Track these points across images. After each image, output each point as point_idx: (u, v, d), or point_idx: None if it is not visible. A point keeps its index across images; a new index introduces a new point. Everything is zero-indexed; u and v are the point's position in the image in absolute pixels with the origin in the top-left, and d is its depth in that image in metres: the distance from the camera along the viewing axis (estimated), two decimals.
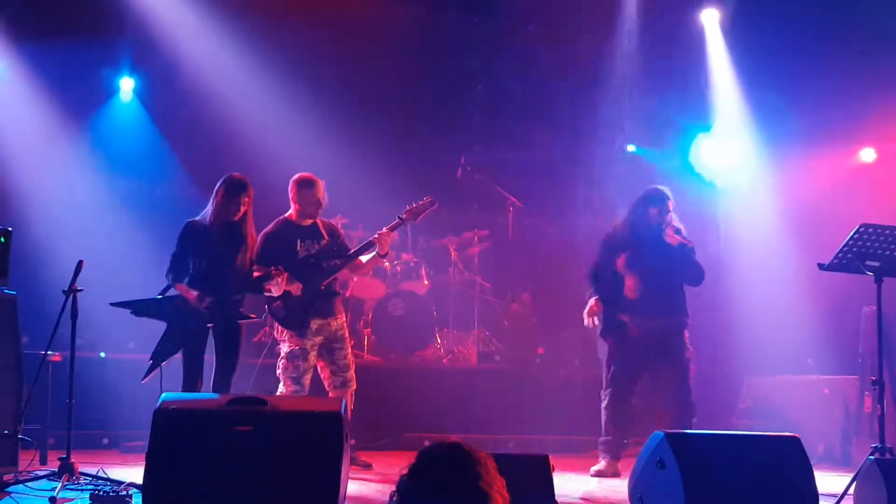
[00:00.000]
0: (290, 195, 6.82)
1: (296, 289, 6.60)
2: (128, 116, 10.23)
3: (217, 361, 6.30)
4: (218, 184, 6.35)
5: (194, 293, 6.17)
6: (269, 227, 6.76)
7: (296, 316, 6.65)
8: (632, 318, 6.93)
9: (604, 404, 7.05)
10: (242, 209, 6.31)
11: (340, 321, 6.83)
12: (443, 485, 2.73)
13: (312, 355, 6.69)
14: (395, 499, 2.81)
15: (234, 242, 6.33)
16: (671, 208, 6.99)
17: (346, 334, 6.88)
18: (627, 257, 6.94)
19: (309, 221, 6.83)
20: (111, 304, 6.17)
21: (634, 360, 6.97)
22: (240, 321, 6.34)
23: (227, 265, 6.28)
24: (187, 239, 6.32)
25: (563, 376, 9.13)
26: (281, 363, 6.69)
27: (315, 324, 6.67)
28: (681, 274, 6.99)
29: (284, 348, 6.71)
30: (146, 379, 6.14)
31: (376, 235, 6.72)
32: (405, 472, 2.80)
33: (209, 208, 6.34)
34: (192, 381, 6.16)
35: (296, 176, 6.86)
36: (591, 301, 6.91)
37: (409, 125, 10.56)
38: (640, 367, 7.03)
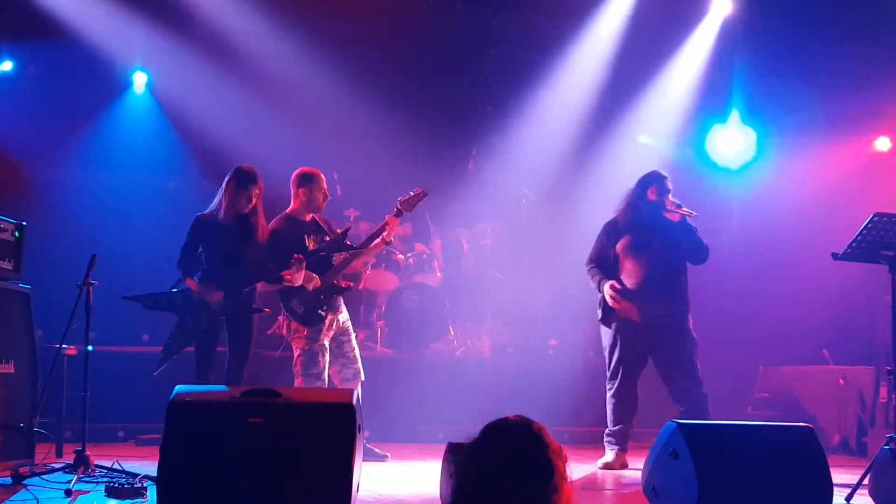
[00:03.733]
0: (295, 189, 6.77)
1: (314, 284, 6.61)
2: (141, 110, 10.25)
3: (229, 355, 6.30)
4: (227, 176, 6.33)
5: (205, 287, 6.17)
6: (274, 223, 6.68)
7: (313, 311, 6.65)
8: (634, 303, 6.75)
9: (609, 394, 6.90)
10: (254, 201, 6.30)
11: (346, 314, 6.89)
12: (513, 454, 2.85)
13: (327, 350, 6.72)
14: (455, 468, 2.94)
15: (244, 235, 6.31)
16: (670, 187, 6.84)
17: (351, 326, 6.91)
18: (628, 242, 6.82)
19: (309, 217, 6.82)
20: (123, 298, 6.17)
21: (638, 347, 6.81)
22: (252, 314, 6.34)
23: (238, 258, 6.26)
24: (197, 232, 6.30)
25: (576, 368, 9.12)
26: (300, 361, 6.63)
27: (329, 318, 6.71)
28: (682, 253, 6.85)
29: (301, 346, 6.65)
30: (158, 371, 6.16)
31: (385, 222, 6.79)
32: (471, 441, 2.90)
33: (219, 200, 6.31)
34: (204, 374, 6.16)
35: (299, 170, 6.83)
36: (608, 286, 6.75)
37: (420, 117, 10.53)
38: (644, 354, 6.86)
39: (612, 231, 6.92)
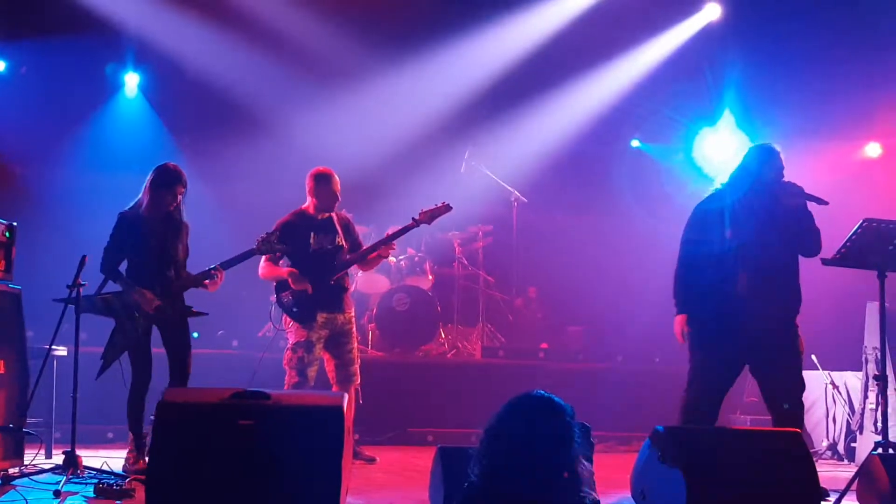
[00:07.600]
0: (307, 188, 6.86)
1: (304, 287, 6.65)
2: (132, 112, 10.24)
3: (172, 361, 6.14)
4: (150, 174, 6.16)
5: (141, 292, 6.01)
6: (285, 216, 6.81)
7: (304, 308, 6.71)
8: (735, 310, 5.51)
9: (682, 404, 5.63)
10: (179, 199, 6.19)
11: (348, 316, 6.87)
12: (536, 420, 3.49)
13: (318, 348, 6.74)
14: (485, 435, 3.60)
15: (171, 234, 6.18)
16: (784, 165, 5.66)
17: (354, 329, 6.91)
18: (735, 233, 5.54)
19: (325, 215, 6.88)
20: (54, 301, 5.76)
21: (730, 354, 5.55)
22: (188, 316, 6.21)
23: (169, 258, 6.16)
24: (122, 231, 6.12)
25: (567, 371, 9.13)
26: (286, 354, 6.75)
27: (321, 317, 6.72)
28: (799, 248, 5.67)
29: (290, 340, 6.76)
30: (98, 378, 6.05)
31: (387, 234, 6.82)
32: (500, 411, 3.58)
33: (142, 199, 6.13)
34: (142, 379, 6.07)
35: (313, 169, 6.91)
36: (678, 321, 5.60)
37: (413, 118, 10.52)
38: (735, 366, 5.63)
39: (713, 218, 5.60)
